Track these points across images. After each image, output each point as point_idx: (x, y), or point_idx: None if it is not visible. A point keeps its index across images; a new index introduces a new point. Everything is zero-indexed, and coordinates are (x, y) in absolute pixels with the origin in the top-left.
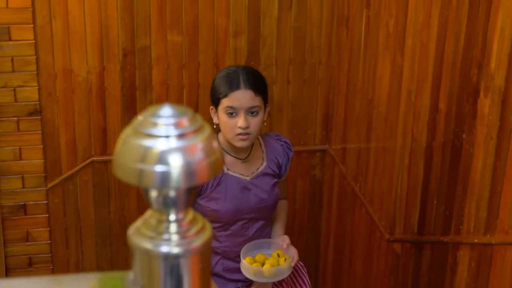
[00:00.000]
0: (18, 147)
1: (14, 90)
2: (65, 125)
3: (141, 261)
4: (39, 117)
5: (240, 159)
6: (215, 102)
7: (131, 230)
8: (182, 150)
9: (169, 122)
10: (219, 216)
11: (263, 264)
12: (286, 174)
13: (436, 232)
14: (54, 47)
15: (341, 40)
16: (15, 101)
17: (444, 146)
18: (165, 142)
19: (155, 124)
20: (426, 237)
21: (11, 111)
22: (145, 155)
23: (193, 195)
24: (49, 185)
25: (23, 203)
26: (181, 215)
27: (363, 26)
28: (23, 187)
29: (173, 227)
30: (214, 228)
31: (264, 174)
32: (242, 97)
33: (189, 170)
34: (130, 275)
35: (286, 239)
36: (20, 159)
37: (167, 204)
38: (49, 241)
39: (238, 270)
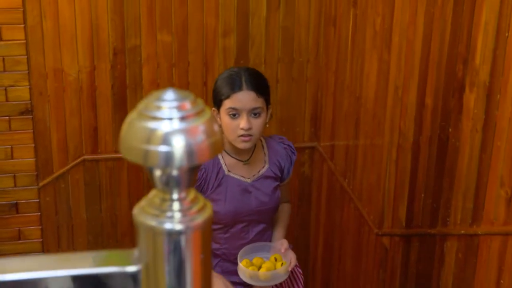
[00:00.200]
0: (9, 146)
1: (6, 89)
2: (56, 124)
3: (145, 238)
4: (31, 116)
5: (242, 161)
6: (217, 103)
7: (136, 210)
8: (185, 131)
9: (172, 105)
10: (218, 217)
11: (259, 268)
12: (289, 178)
13: (424, 225)
14: (45, 46)
15: (329, 39)
16: (6, 100)
17: (430, 141)
18: (168, 124)
19: (159, 107)
20: (414, 230)
21: (2, 110)
22: (150, 136)
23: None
24: (41, 184)
25: (15, 201)
26: (183, 194)
27: (350, 25)
28: (15, 185)
29: (176, 206)
30: (213, 230)
31: (265, 177)
32: (244, 98)
33: (191, 150)
34: (135, 252)
35: (284, 243)
36: (12, 158)
37: (170, 183)
38: (41, 240)
39: (237, 273)
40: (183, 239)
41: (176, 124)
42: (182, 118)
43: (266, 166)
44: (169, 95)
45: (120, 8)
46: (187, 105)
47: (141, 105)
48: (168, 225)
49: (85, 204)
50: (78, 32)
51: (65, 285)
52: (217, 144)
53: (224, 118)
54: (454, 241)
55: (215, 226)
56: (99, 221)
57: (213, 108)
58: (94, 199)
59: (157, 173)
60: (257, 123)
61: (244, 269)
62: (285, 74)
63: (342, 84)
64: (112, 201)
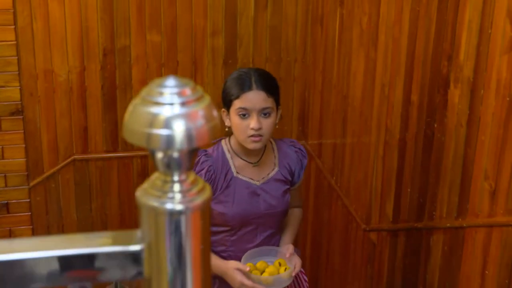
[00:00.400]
0: (0, 147)
1: None
2: (46, 125)
3: (148, 218)
4: (21, 116)
5: (251, 163)
6: (227, 104)
7: (139, 192)
8: (185, 116)
9: (173, 92)
10: (226, 219)
11: (262, 272)
12: (300, 182)
13: (411, 219)
14: (35, 47)
15: (316, 38)
16: None
17: (416, 137)
18: (170, 109)
19: (161, 93)
20: (400, 225)
21: None
22: (152, 120)
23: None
24: (31, 184)
25: (6, 201)
26: (183, 176)
27: (337, 24)
28: (6, 186)
29: (176, 187)
30: (221, 232)
31: (275, 179)
32: (255, 98)
33: (190, 134)
34: (138, 232)
35: (290, 248)
36: (2, 158)
37: (171, 165)
38: None
39: None
40: (183, 219)
41: (177, 109)
42: (183, 104)
43: (276, 169)
44: (170, 82)
45: (110, 8)
46: (187, 91)
47: (144, 91)
48: (169, 206)
49: (76, 203)
50: (68, 33)
51: (71, 263)
52: (216, 129)
53: (234, 118)
54: (440, 235)
55: (222, 228)
56: (89, 220)
57: (223, 109)
58: (84, 199)
59: (159, 155)
60: (267, 123)
61: (248, 274)
62: (273, 73)
63: (329, 83)
64: (102, 201)
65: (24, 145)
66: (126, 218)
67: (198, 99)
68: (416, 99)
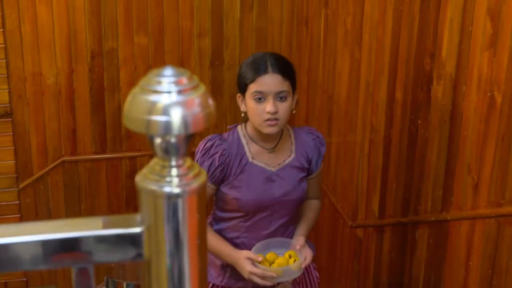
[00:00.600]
0: None
1: None
2: (35, 127)
3: (147, 202)
4: (10, 119)
5: (267, 149)
6: (242, 88)
7: (138, 177)
8: (182, 103)
9: (171, 81)
10: (239, 205)
11: (271, 264)
12: (319, 171)
13: (396, 215)
14: (23, 50)
15: (301, 39)
16: None
17: (401, 134)
18: (167, 97)
19: (159, 82)
20: (386, 220)
21: None
22: (151, 108)
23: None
24: (21, 186)
25: None
26: (180, 161)
27: (322, 24)
28: None
29: (174, 171)
30: (235, 218)
31: (291, 166)
32: (270, 81)
33: (187, 120)
34: (137, 216)
35: (300, 240)
36: None
37: (169, 150)
38: None
39: None
40: (180, 201)
41: (174, 97)
42: (180, 92)
43: (293, 155)
44: (168, 71)
45: (97, 11)
46: (184, 80)
47: (143, 81)
48: (167, 189)
49: (65, 205)
50: (56, 35)
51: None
52: (211, 116)
53: (250, 102)
54: (425, 228)
55: (236, 214)
56: None
57: (238, 94)
58: (73, 200)
59: (158, 140)
60: (284, 107)
61: (257, 264)
62: None
63: (314, 82)
64: (91, 202)
65: (13, 147)
66: None
67: (194, 88)
68: (400, 97)
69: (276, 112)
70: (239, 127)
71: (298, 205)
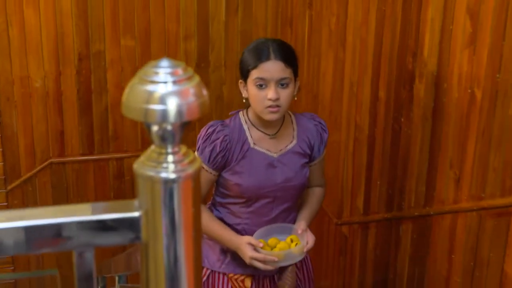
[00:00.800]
0: None
1: None
2: (23, 129)
3: (144, 187)
4: None
5: (269, 135)
6: (244, 74)
7: (136, 164)
8: (177, 93)
9: (167, 71)
10: (241, 190)
11: (273, 249)
12: (321, 158)
13: (380, 211)
14: (11, 54)
15: (286, 40)
16: None
17: (385, 131)
18: (164, 87)
19: (156, 73)
20: (371, 217)
21: None
22: (149, 97)
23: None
24: (9, 187)
25: None
26: (176, 149)
27: (306, 25)
28: None
29: (170, 158)
30: (237, 203)
31: (292, 152)
32: (272, 68)
33: (182, 109)
34: (135, 202)
35: (302, 225)
36: None
37: (165, 138)
38: None
39: None
40: (176, 186)
41: (170, 87)
42: (175, 82)
43: (294, 141)
44: (164, 63)
45: (85, 14)
46: (179, 71)
47: (140, 72)
48: (164, 175)
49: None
50: (44, 38)
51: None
52: (205, 105)
53: (251, 89)
54: (409, 224)
55: (238, 200)
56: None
57: (240, 81)
58: (61, 201)
59: (155, 128)
60: (285, 94)
61: (258, 249)
62: None
63: (299, 83)
64: (79, 203)
65: (1, 149)
66: None
67: (189, 78)
68: (383, 96)
69: (277, 99)
70: (240, 113)
71: (300, 191)
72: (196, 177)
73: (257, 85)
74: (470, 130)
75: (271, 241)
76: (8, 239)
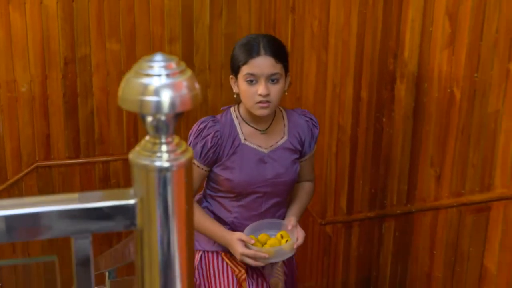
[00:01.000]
0: None
1: None
2: (9, 133)
3: (140, 176)
4: None
5: (259, 130)
6: (235, 70)
7: (132, 154)
8: (171, 85)
9: (161, 65)
10: (232, 186)
11: (264, 245)
12: (312, 153)
13: (364, 210)
14: None
15: None
16: None
17: (367, 131)
18: (158, 80)
19: (151, 67)
20: (354, 216)
21: None
22: (144, 89)
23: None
24: None
25: None
26: (170, 139)
27: (289, 29)
28: None
29: (164, 147)
30: (227, 197)
31: (283, 148)
32: (262, 64)
33: (175, 101)
34: (131, 190)
35: (292, 220)
36: None
37: (159, 128)
38: None
39: None
40: (170, 175)
41: (164, 80)
42: (169, 75)
43: (285, 137)
44: (158, 57)
45: (70, 18)
46: (173, 65)
47: (136, 66)
48: (158, 163)
49: None
50: (30, 42)
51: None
52: (197, 97)
53: (242, 84)
54: (391, 222)
55: (228, 195)
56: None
57: (231, 76)
58: None
59: (149, 119)
60: (275, 89)
61: (249, 245)
62: (229, 79)
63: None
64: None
65: None
66: None
67: (182, 72)
68: (365, 96)
69: (268, 95)
70: (232, 108)
71: (290, 187)
72: (188, 165)
73: (247, 81)
74: (450, 128)
75: (262, 237)
76: (16, 225)
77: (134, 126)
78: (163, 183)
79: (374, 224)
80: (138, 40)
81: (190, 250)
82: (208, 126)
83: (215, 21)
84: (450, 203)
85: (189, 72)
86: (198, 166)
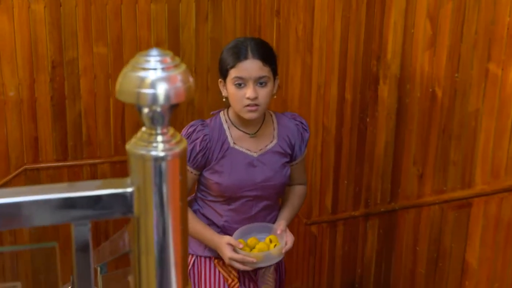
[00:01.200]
0: None
1: None
2: None
3: (136, 165)
4: None
5: (249, 134)
6: (223, 73)
7: (129, 145)
8: (166, 79)
9: (157, 59)
10: (221, 189)
11: (252, 249)
12: (303, 157)
13: (348, 209)
14: None
15: None
16: None
17: (351, 132)
18: (154, 73)
19: (147, 61)
20: (339, 215)
21: None
22: (140, 82)
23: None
24: None
25: None
26: (165, 130)
27: (274, 32)
28: None
29: (159, 138)
30: (217, 201)
31: (273, 152)
32: (250, 67)
33: (170, 93)
34: (128, 179)
35: (281, 225)
36: None
37: (155, 119)
38: None
39: None
40: (165, 164)
41: (160, 73)
42: (164, 69)
43: (275, 141)
44: (154, 52)
45: (58, 22)
46: (168, 59)
47: (132, 61)
48: (154, 153)
49: None
50: (18, 46)
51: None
52: (190, 89)
53: (230, 88)
54: (375, 220)
55: (218, 198)
56: (41, 229)
57: (220, 79)
58: None
59: (146, 110)
60: (264, 92)
61: (237, 250)
62: (215, 83)
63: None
64: None
65: None
66: None
67: (176, 66)
68: (349, 97)
69: (256, 98)
70: (221, 112)
71: (280, 190)
72: (182, 155)
73: (235, 84)
74: (431, 127)
75: (250, 241)
76: (26, 212)
77: (121, 128)
78: (159, 172)
79: (359, 223)
80: (125, 44)
81: (184, 237)
82: (197, 130)
83: (201, 25)
84: (433, 200)
85: (183, 66)
86: (187, 170)
